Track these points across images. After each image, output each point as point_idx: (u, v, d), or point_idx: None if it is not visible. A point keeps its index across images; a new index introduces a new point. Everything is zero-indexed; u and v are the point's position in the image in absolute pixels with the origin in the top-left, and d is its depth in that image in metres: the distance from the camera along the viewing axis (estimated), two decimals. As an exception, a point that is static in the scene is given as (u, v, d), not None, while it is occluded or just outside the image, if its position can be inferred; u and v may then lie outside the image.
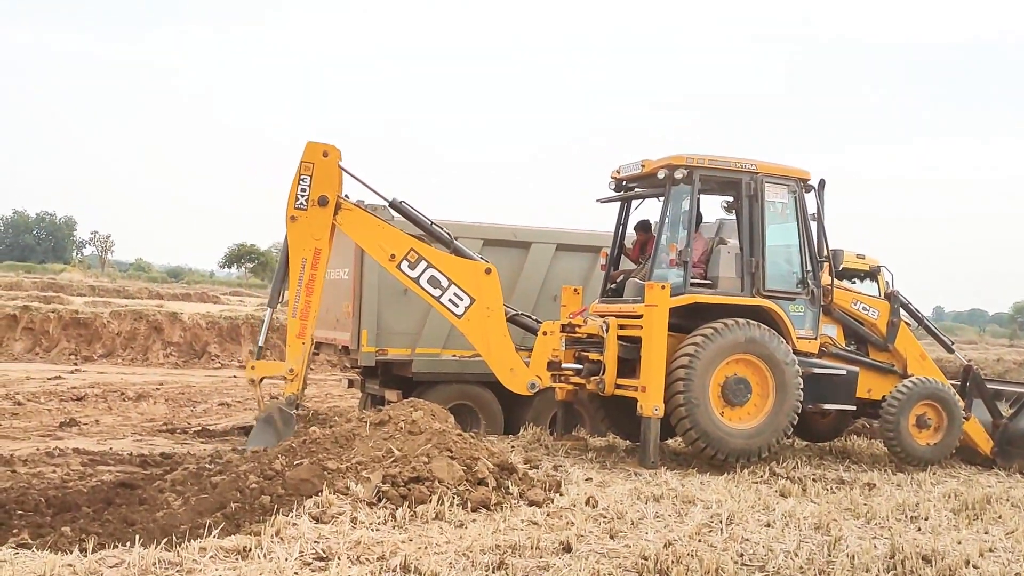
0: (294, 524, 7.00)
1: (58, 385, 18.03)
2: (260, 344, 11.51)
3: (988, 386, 13.38)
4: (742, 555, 7.31)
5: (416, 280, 11.15)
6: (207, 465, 9.36)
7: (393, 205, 11.47)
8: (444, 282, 11.13)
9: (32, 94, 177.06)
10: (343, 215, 11.13)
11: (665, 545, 7.25)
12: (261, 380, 11.12)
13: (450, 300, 11.13)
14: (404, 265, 11.13)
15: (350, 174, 11.24)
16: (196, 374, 22.26)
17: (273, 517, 7.14)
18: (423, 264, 11.14)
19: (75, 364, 22.87)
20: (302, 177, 10.98)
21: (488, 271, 11.25)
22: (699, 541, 7.53)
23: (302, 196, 10.97)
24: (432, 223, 11.57)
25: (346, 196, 11.24)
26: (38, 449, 11.32)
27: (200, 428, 14.07)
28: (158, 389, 18.25)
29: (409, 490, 8.00)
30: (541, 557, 6.83)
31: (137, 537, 6.44)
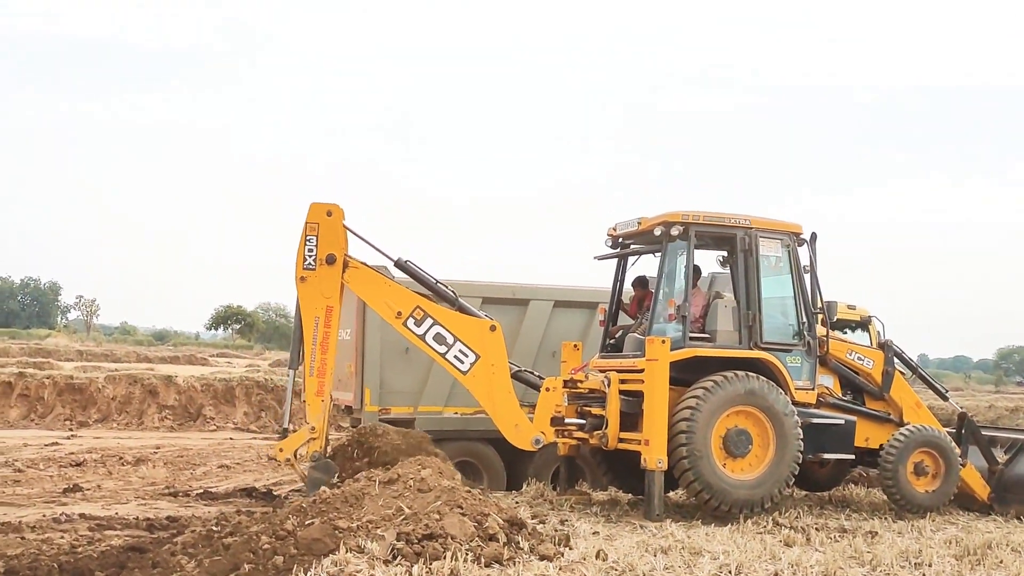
0: (314, 583, 7.07)
1: (55, 451, 17.99)
2: (284, 426, 11.72)
3: (983, 433, 13.57)
4: (754, 604, 7.42)
5: (422, 337, 11.29)
6: (214, 528, 9.44)
7: (398, 264, 11.62)
8: (450, 339, 11.28)
9: (12, 158, 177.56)
10: (350, 273, 11.31)
11: (678, 596, 7.36)
12: (295, 456, 11.21)
13: (455, 357, 11.27)
14: (411, 322, 11.29)
15: (354, 233, 11.43)
16: (192, 437, 22.23)
17: (293, 576, 7.21)
18: (429, 321, 11.29)
19: (71, 429, 22.79)
20: (308, 238, 11.16)
21: (492, 328, 11.41)
22: (711, 591, 7.64)
23: (309, 256, 11.15)
24: (437, 281, 11.74)
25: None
26: (44, 515, 11.33)
27: (202, 491, 14.07)
28: (156, 452, 18.23)
29: (423, 547, 8.08)
30: (559, 610, 6.93)
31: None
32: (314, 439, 11.04)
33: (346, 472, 10.92)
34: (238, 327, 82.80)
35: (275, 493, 14.01)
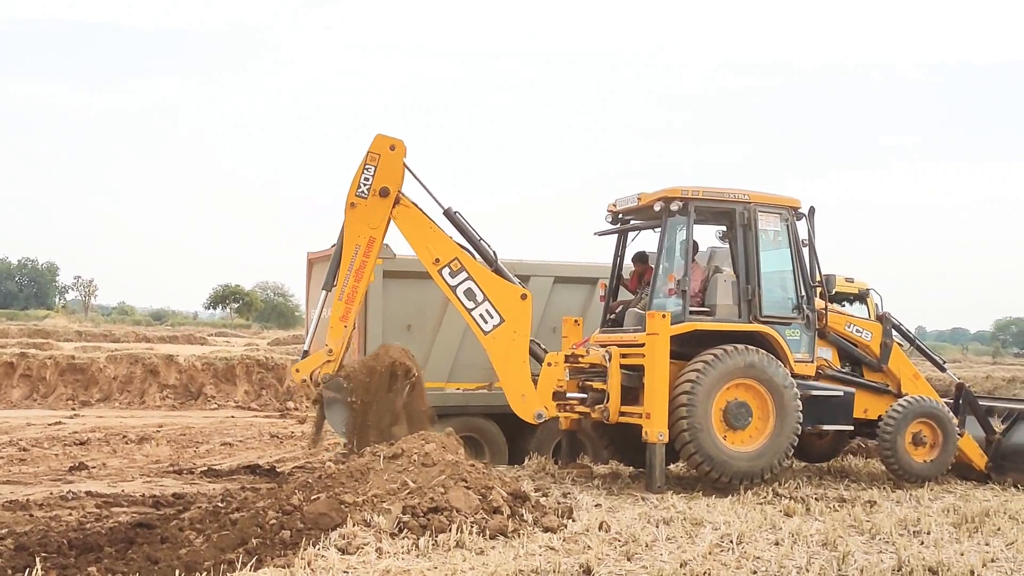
0: (322, 556, 7.20)
1: (59, 430, 18.09)
2: (306, 348, 11.86)
3: (980, 403, 13.69)
4: (755, 572, 7.55)
5: (453, 289, 11.49)
6: (220, 504, 9.54)
7: (447, 214, 11.75)
8: (480, 297, 11.46)
9: (8, 138, 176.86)
10: (400, 211, 11.49)
11: (681, 565, 7.50)
12: (311, 376, 11.38)
13: (481, 315, 11.46)
14: (446, 271, 11.48)
15: (412, 173, 11.63)
16: (194, 415, 22.35)
17: (302, 550, 7.32)
18: (464, 275, 11.48)
19: (73, 409, 22.92)
20: (367, 167, 11.37)
21: (524, 296, 11.59)
22: (713, 560, 7.75)
23: (364, 185, 11.35)
24: (481, 239, 11.84)
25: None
26: (51, 493, 11.42)
27: (206, 468, 14.18)
28: (158, 431, 18.34)
29: (429, 520, 8.21)
30: (564, 580, 7.05)
31: (176, 572, 6.60)
32: (330, 361, 11.23)
33: (358, 395, 11.12)
34: (236, 306, 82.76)
35: (279, 470, 14.12)
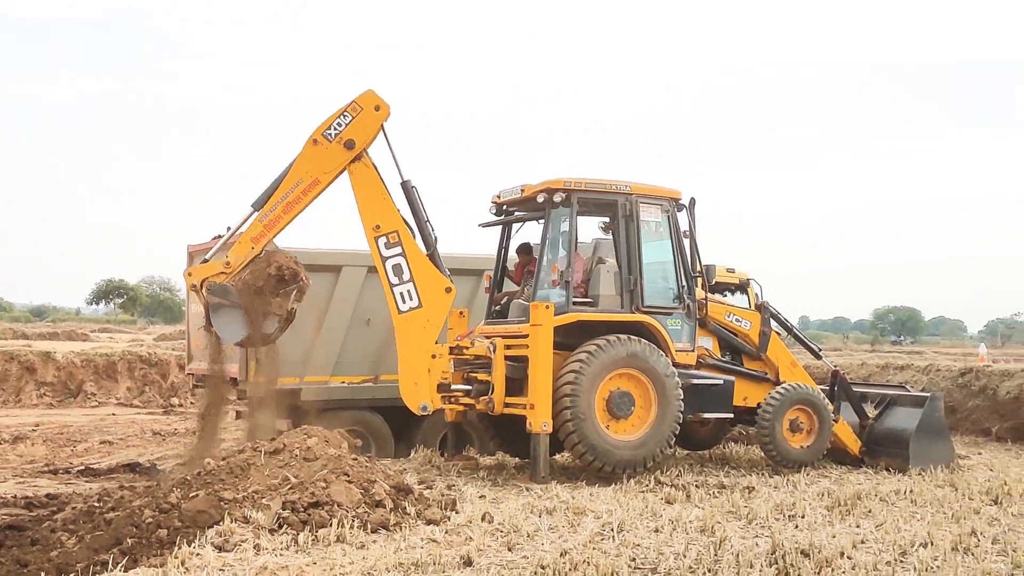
0: (198, 554, 7.06)
1: (-73, 431, 17.38)
2: (207, 257, 11.49)
3: (854, 389, 14.12)
4: (634, 559, 7.64)
5: (383, 260, 11.47)
6: (96, 503, 9.29)
7: (404, 185, 11.72)
8: (406, 276, 11.46)
9: None
10: (359, 167, 11.43)
11: (561, 554, 7.55)
12: (202, 284, 11.08)
13: (401, 294, 11.45)
14: (382, 241, 11.46)
15: (387, 138, 11.58)
16: (73, 413, 21.65)
17: (177, 548, 7.17)
18: (398, 250, 11.47)
19: (-58, 409, 22.05)
20: (345, 114, 11.28)
21: (448, 289, 11.59)
22: (593, 549, 7.82)
23: (334, 129, 11.25)
24: (427, 220, 11.79)
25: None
26: (-85, 496, 10.98)
27: (83, 467, 13.78)
28: (35, 430, 17.73)
29: (309, 515, 8.12)
30: (444, 572, 7.05)
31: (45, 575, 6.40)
32: (224, 273, 11.00)
33: (245, 298, 11.00)
34: (120, 301, 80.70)
35: (159, 467, 13.80)
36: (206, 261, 11.46)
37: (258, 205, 11.31)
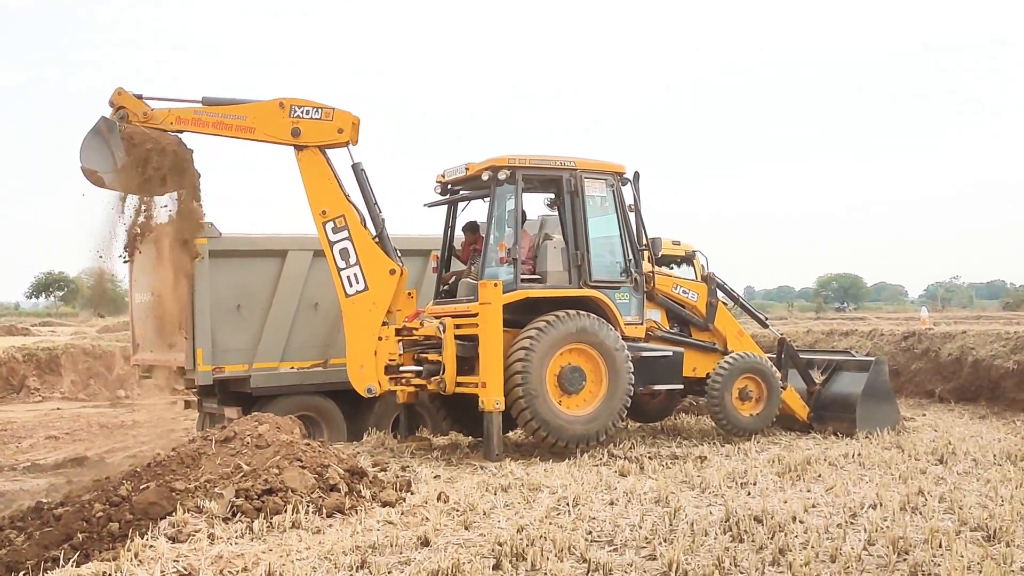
0: (151, 546, 6.97)
1: None
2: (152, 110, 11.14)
3: (801, 356, 14.29)
4: (591, 532, 7.69)
5: (331, 244, 11.58)
6: (43, 499, 9.15)
7: (354, 167, 11.74)
8: (353, 259, 11.58)
9: None
10: (307, 154, 11.48)
11: (518, 530, 7.58)
12: (117, 109, 10.89)
13: (348, 278, 11.58)
14: (329, 226, 11.56)
15: (350, 154, 11.74)
16: (16, 409, 21.31)
17: (129, 541, 7.08)
18: (344, 234, 11.58)
19: None
20: (319, 110, 11.44)
21: (393, 271, 11.66)
22: (549, 524, 7.87)
23: (301, 112, 11.39)
24: (375, 203, 11.83)
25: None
26: None
27: (30, 464, 13.58)
28: (-24, 428, 17.45)
29: (263, 502, 8.06)
30: (401, 553, 7.04)
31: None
32: (136, 117, 10.88)
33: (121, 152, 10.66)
34: (61, 294, 79.30)
35: (108, 461, 13.63)
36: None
37: (207, 103, 11.28)
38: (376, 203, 11.83)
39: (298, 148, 11.46)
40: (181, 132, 11.16)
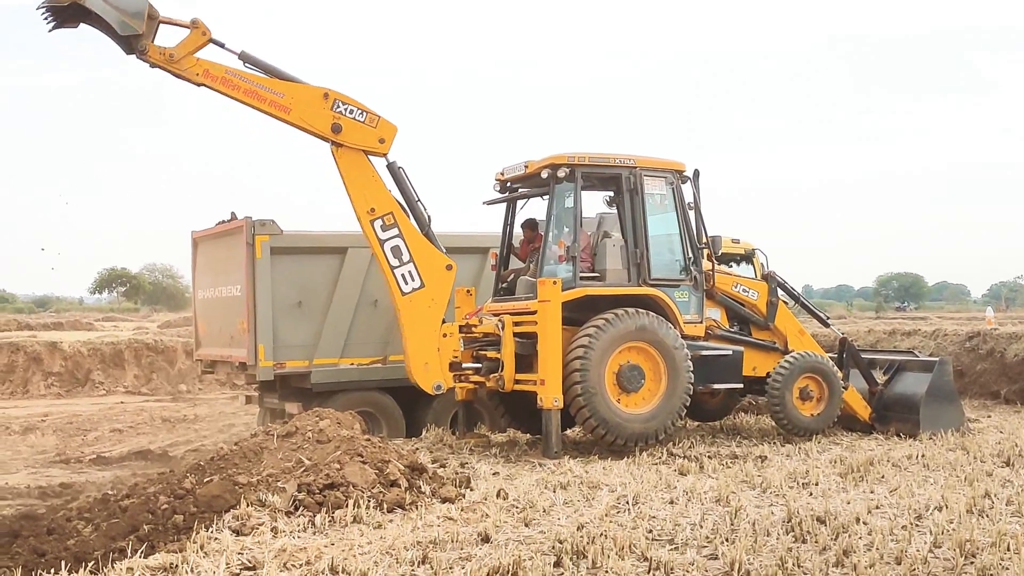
0: (215, 538, 7.07)
1: (-63, 424, 17.43)
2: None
3: (863, 356, 14.10)
4: (651, 531, 7.65)
5: (381, 243, 11.43)
6: (110, 491, 9.31)
7: (390, 167, 11.66)
8: (406, 257, 11.46)
9: None
10: (346, 151, 11.33)
11: (578, 528, 7.57)
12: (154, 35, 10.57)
13: (403, 275, 11.46)
14: (378, 224, 11.41)
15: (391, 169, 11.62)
16: (81, 403, 21.73)
17: (195, 533, 7.18)
18: (395, 231, 11.45)
19: (-49, 402, 22.11)
20: (364, 112, 11.30)
21: (449, 267, 11.62)
22: (609, 522, 7.85)
23: (346, 110, 11.23)
24: (418, 200, 11.77)
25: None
26: (-68, 489, 11.02)
27: (95, 456, 13.84)
28: (44, 420, 17.81)
29: (325, 497, 8.12)
30: (462, 549, 7.05)
31: (63, 564, 6.41)
32: (168, 57, 10.54)
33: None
34: (123, 290, 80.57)
35: (171, 454, 13.85)
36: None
37: (245, 59, 11.00)
38: (419, 199, 11.80)
39: (336, 144, 11.34)
40: (204, 87, 10.79)
